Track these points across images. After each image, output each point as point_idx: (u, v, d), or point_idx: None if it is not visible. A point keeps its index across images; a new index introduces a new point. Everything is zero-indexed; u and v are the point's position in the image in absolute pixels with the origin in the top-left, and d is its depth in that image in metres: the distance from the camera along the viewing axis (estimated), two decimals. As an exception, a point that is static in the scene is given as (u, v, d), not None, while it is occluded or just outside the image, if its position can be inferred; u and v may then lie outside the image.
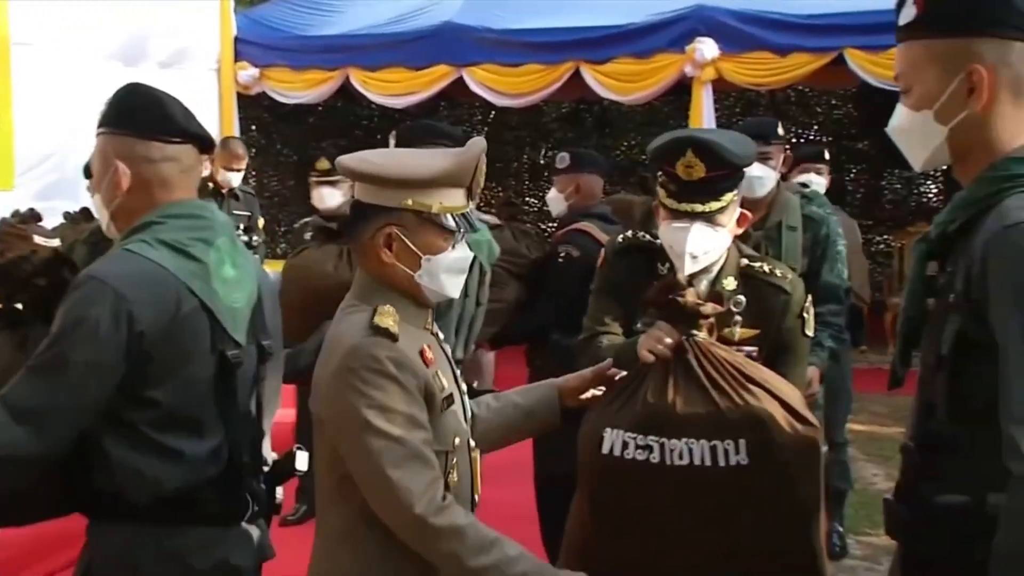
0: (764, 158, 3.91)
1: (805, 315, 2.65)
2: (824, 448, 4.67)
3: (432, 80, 9.11)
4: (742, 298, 2.61)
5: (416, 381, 1.91)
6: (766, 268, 2.65)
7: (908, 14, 1.74)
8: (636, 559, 2.12)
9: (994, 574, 1.51)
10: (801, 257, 3.97)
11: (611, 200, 5.76)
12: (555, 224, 4.76)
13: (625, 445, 2.09)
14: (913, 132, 1.78)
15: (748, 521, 2.07)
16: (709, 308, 2.20)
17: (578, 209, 4.34)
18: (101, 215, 2.22)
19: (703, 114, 8.25)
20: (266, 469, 2.32)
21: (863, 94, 10.47)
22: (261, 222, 7.48)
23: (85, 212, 5.82)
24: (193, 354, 2.07)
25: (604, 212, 4.50)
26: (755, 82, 8.57)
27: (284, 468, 2.34)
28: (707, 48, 8.09)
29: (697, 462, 2.04)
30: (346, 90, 9.75)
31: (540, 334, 3.94)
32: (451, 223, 1.98)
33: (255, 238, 7.08)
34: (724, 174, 2.49)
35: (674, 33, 8.28)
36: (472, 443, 2.09)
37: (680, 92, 9.15)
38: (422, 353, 1.97)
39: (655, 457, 2.06)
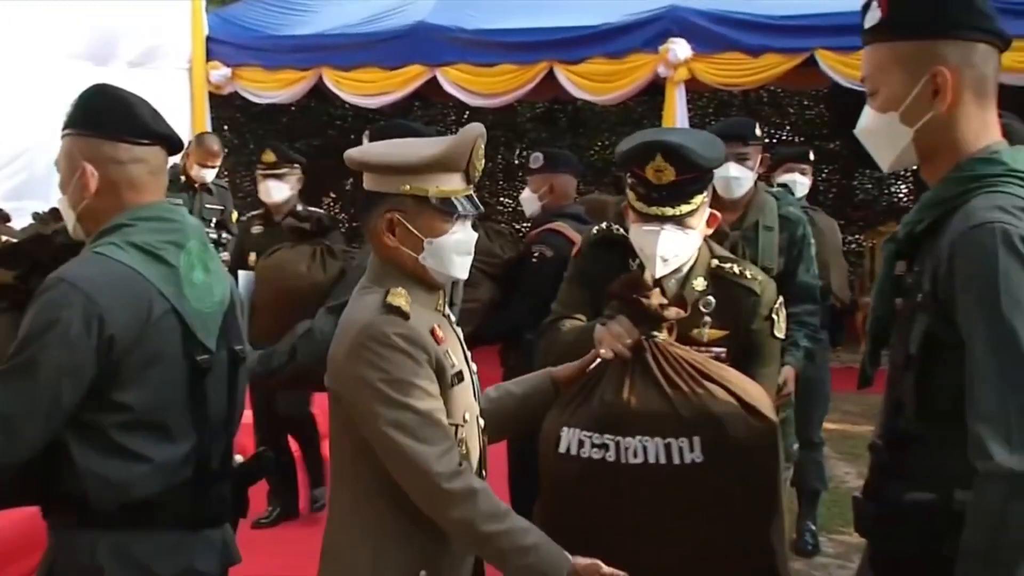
0: (742, 159, 3.93)
1: (774, 317, 2.64)
2: (795, 446, 4.74)
3: (406, 80, 9.09)
4: (711, 299, 2.61)
5: (427, 356, 1.98)
6: (736, 269, 2.65)
7: (873, 17, 1.76)
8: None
9: (961, 571, 1.52)
10: (778, 257, 3.99)
11: (585, 200, 5.77)
12: (529, 224, 4.76)
13: (581, 444, 2.10)
14: (880, 133, 1.80)
15: (704, 519, 2.06)
16: (672, 312, 2.20)
17: (552, 209, 4.35)
18: (68, 216, 2.19)
19: (676, 114, 8.28)
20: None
21: (834, 95, 10.54)
22: (235, 216, 7.46)
23: (55, 212, 5.76)
24: (164, 358, 2.06)
25: (578, 212, 4.51)
26: (728, 83, 8.61)
27: (252, 472, 2.33)
28: (680, 49, 8.12)
29: (652, 460, 2.04)
30: (319, 90, 9.71)
31: (514, 334, 3.94)
32: (452, 206, 2.03)
33: (224, 236, 7.09)
34: (694, 177, 2.49)
35: (647, 34, 8.31)
36: (481, 421, 2.17)
37: (653, 92, 9.17)
38: (433, 332, 2.04)
39: (611, 456, 2.06)
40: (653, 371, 2.12)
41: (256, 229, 5.02)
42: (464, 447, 2.05)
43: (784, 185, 5.27)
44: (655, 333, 2.19)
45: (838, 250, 5.51)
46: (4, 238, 2.95)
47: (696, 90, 9.46)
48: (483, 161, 2.10)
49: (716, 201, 3.23)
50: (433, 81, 9.05)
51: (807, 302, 4.08)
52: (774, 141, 13.10)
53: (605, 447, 2.07)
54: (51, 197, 4.75)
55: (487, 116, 12.62)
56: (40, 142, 6.92)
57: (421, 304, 2.05)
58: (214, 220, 7.08)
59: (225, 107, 10.10)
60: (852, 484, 5.56)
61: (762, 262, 3.82)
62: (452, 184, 2.03)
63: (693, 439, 2.04)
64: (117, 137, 2.11)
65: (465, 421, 2.08)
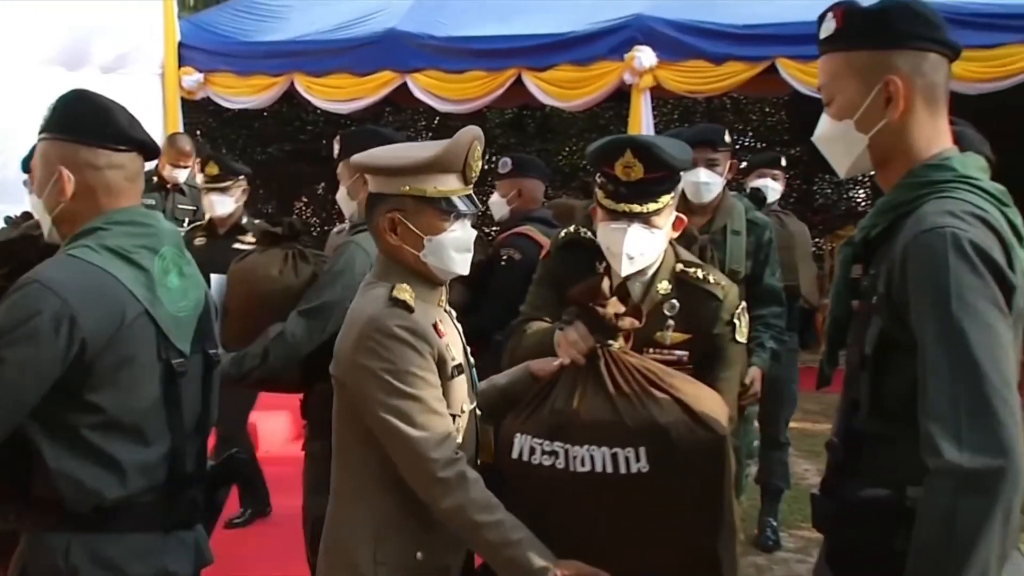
0: (711, 164, 3.96)
1: (736, 321, 2.63)
2: (756, 443, 4.76)
3: (377, 86, 9.07)
4: (675, 302, 2.62)
5: (430, 348, 2.05)
6: (700, 274, 2.65)
7: (828, 28, 1.78)
8: None
9: (913, 564, 1.54)
10: (745, 260, 4.02)
11: (552, 204, 5.79)
12: (497, 228, 4.77)
13: (532, 451, 2.08)
14: (836, 140, 1.82)
15: (650, 528, 2.04)
16: (627, 323, 2.19)
17: (520, 213, 4.36)
18: (43, 220, 2.18)
19: (642, 120, 8.31)
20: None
21: (795, 102, 10.61)
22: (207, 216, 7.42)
23: (27, 216, 5.71)
24: (138, 361, 2.05)
25: (545, 216, 4.52)
26: (692, 90, 8.64)
27: (224, 474, 2.32)
28: (645, 56, 8.16)
29: (599, 469, 2.01)
30: (291, 95, 9.66)
31: (483, 335, 3.94)
32: (449, 205, 2.08)
33: None
34: (662, 176, 2.50)
35: (613, 42, 8.33)
36: (478, 412, 2.22)
37: (619, 99, 9.20)
38: (435, 326, 2.11)
39: (560, 463, 2.04)
40: (604, 380, 2.11)
41: (199, 241, 4.93)
42: (459, 436, 2.11)
43: (757, 189, 5.33)
44: (610, 342, 2.18)
45: (808, 254, 5.57)
46: None
47: (661, 97, 9.51)
48: (480, 162, 2.14)
49: (686, 205, 3.26)
50: (403, 87, 9.03)
51: (773, 304, 4.12)
52: (737, 147, 13.18)
53: (555, 454, 2.05)
54: (24, 201, 4.70)
55: (457, 122, 12.63)
56: (12, 147, 6.84)
57: (424, 299, 2.12)
58: (187, 220, 7.05)
59: (197, 112, 10.05)
60: (812, 481, 5.60)
61: (730, 265, 3.85)
62: (449, 184, 2.09)
63: (639, 449, 2.01)
64: (95, 143, 2.10)
65: (462, 412, 2.14)
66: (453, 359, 2.12)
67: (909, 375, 1.59)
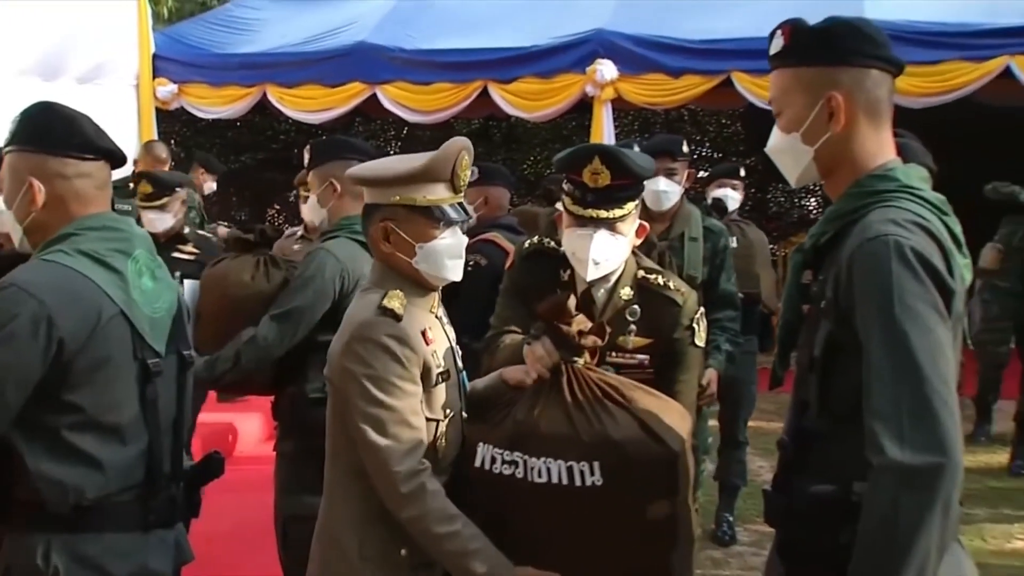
0: (670, 173, 3.99)
1: (695, 326, 2.64)
2: (710, 439, 4.78)
3: (347, 97, 9.06)
4: (637, 308, 2.62)
5: (415, 357, 2.05)
6: (661, 280, 2.66)
7: (777, 45, 1.81)
8: None
9: (858, 556, 1.56)
10: (702, 266, 4.05)
11: (517, 211, 5.80)
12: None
13: (494, 460, 2.07)
14: (786, 152, 1.84)
15: (604, 541, 2.03)
16: (589, 342, 2.17)
17: (486, 220, 4.36)
18: (14, 231, 2.16)
19: (603, 131, 8.35)
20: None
21: (750, 114, 10.70)
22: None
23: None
24: (114, 361, 2.03)
25: (511, 223, 4.52)
26: (651, 102, 8.71)
27: (202, 473, 2.30)
28: (606, 69, 8.21)
29: (555, 480, 2.00)
30: (263, 106, 9.63)
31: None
32: (439, 213, 2.10)
33: None
34: (627, 183, 2.52)
35: (576, 55, 8.38)
36: (465, 415, 2.22)
37: (582, 110, 9.26)
38: (424, 334, 2.11)
39: (519, 472, 2.03)
40: (564, 394, 2.10)
41: None
42: (443, 440, 2.12)
43: (719, 199, 5.37)
44: (575, 358, 2.16)
45: (767, 261, 5.62)
46: None
47: (622, 108, 9.55)
48: (468, 172, 2.16)
49: (645, 213, 3.28)
50: (373, 98, 9.03)
51: (728, 308, 4.15)
52: (694, 157, 13.26)
53: (515, 464, 2.04)
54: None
55: (425, 132, 12.64)
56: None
57: (416, 305, 2.13)
58: (198, 230, 7.01)
59: (171, 122, 10.00)
60: (766, 478, 5.58)
61: (687, 271, 3.88)
62: (438, 193, 2.11)
63: (593, 463, 1.99)
64: (62, 153, 2.08)
65: (445, 417, 2.14)
66: (439, 366, 2.12)
67: (855, 377, 1.61)
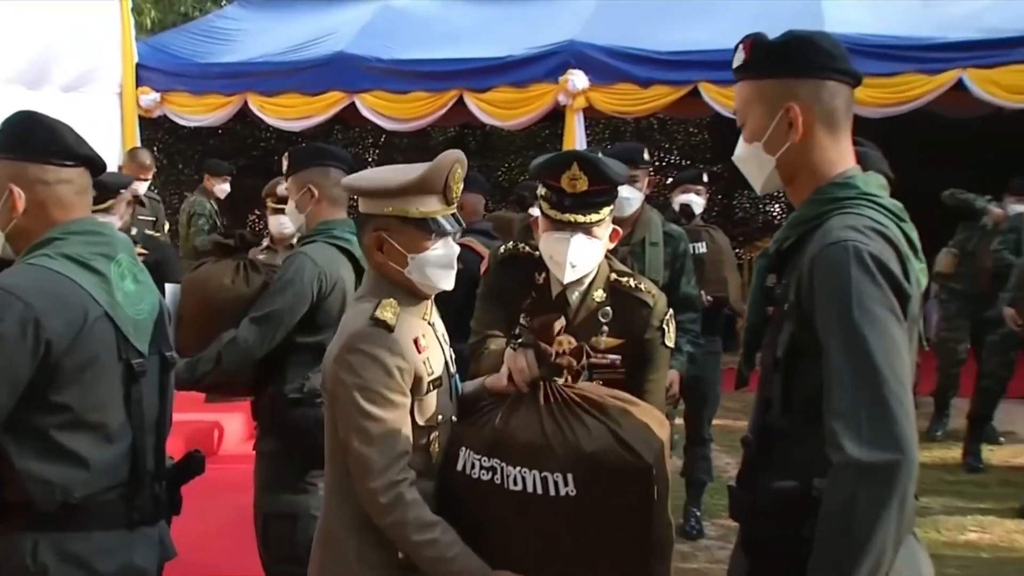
0: (632, 180, 3.99)
1: (665, 327, 2.65)
2: (675, 436, 4.79)
3: (326, 105, 9.06)
4: (609, 310, 2.63)
5: (407, 366, 2.03)
6: (632, 283, 2.66)
7: (739, 58, 1.82)
8: None
9: (818, 549, 1.57)
10: (663, 270, 4.05)
11: (492, 217, 5.80)
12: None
13: (473, 465, 2.05)
14: (750, 161, 1.85)
15: (581, 548, 2.01)
16: (564, 361, 2.14)
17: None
18: None
19: (575, 139, 8.38)
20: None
21: (716, 123, 10.76)
22: (166, 226, 7.46)
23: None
24: (100, 361, 2.02)
25: (486, 228, 4.52)
26: (621, 110, 8.74)
27: (184, 471, 2.29)
28: (578, 79, 8.24)
29: (530, 490, 1.98)
30: (244, 114, 9.60)
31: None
32: (431, 225, 2.08)
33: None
34: (603, 188, 2.52)
35: (549, 65, 8.41)
36: (455, 419, 2.20)
37: (555, 118, 9.28)
38: (416, 341, 2.09)
39: (497, 479, 2.01)
40: (539, 405, 2.07)
41: None
42: (435, 445, 2.11)
43: (687, 205, 5.40)
44: (555, 378, 2.13)
45: (734, 265, 5.65)
46: None
47: (593, 117, 9.59)
48: (461, 184, 2.13)
49: (609, 218, 3.27)
50: (352, 107, 9.03)
51: (689, 311, 4.16)
52: (663, 164, 13.33)
53: (493, 470, 2.02)
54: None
55: (402, 139, 12.62)
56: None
57: (409, 313, 2.11)
58: (147, 230, 6.98)
59: (154, 129, 9.96)
60: (732, 474, 5.59)
61: (649, 275, 3.88)
62: (431, 205, 2.08)
63: (567, 475, 1.96)
64: (43, 160, 2.06)
65: (438, 423, 2.12)
66: (431, 373, 2.10)
67: (816, 377, 1.61)
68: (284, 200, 4.61)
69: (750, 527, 1.79)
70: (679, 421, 5.09)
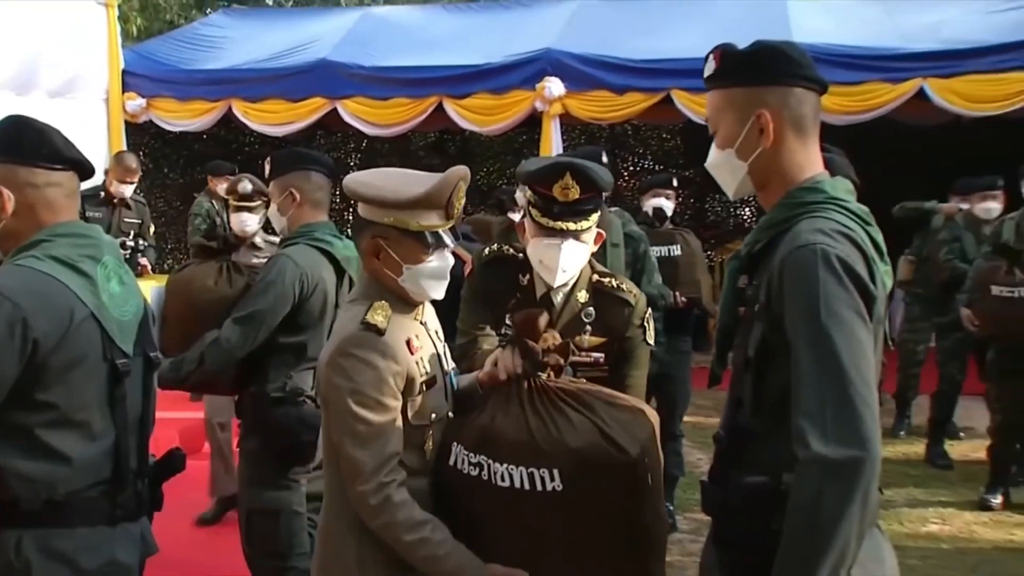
0: None
1: (645, 325, 2.66)
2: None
3: (309, 111, 9.04)
4: (592, 310, 2.63)
5: (397, 368, 2.01)
6: (614, 283, 2.67)
7: (710, 68, 1.83)
8: None
9: (785, 542, 1.57)
10: (624, 271, 4.04)
11: (471, 220, 5.79)
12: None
13: (464, 460, 2.03)
14: (722, 167, 1.85)
15: (571, 543, 1.98)
16: (552, 360, 2.13)
17: (441, 228, 4.32)
18: None
19: (552, 144, 8.39)
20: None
21: (688, 129, 10.78)
22: (152, 229, 7.39)
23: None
24: (86, 360, 2.00)
25: (465, 231, 4.52)
26: (596, 117, 8.75)
27: (166, 468, 2.26)
28: (555, 86, 8.25)
29: (517, 485, 1.95)
30: (229, 119, 9.56)
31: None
32: (430, 239, 2.07)
33: (142, 242, 7.00)
34: (592, 196, 2.52)
35: (526, 73, 8.42)
36: (452, 415, 2.17)
37: (532, 124, 9.28)
38: (409, 343, 2.07)
39: (485, 475, 1.99)
40: (524, 402, 2.05)
41: None
42: (429, 443, 2.09)
43: (660, 209, 5.40)
44: (539, 374, 2.11)
45: (705, 267, 5.66)
46: None
47: (569, 123, 9.59)
48: (463, 200, 2.11)
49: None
50: (334, 112, 9.01)
51: (651, 310, 4.15)
52: (637, 169, 13.36)
53: (480, 466, 1.99)
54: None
55: (383, 144, 12.58)
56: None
57: (401, 315, 2.09)
58: (133, 232, 6.98)
59: (140, 134, 9.90)
60: (704, 469, 5.59)
61: None
62: (431, 220, 2.06)
63: (553, 470, 1.93)
64: (32, 163, 2.04)
65: (432, 420, 2.10)
66: (424, 373, 2.08)
67: (785, 376, 1.62)
68: (246, 198, 4.61)
69: (722, 522, 1.79)
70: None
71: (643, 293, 4.04)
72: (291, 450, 3.13)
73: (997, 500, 5.31)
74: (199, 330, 3.13)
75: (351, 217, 13.29)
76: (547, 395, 2.06)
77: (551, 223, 2.51)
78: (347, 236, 3.30)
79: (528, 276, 2.66)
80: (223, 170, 7.53)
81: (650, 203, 5.50)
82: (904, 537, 4.78)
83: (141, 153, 9.23)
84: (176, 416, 5.83)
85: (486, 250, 2.83)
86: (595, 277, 2.68)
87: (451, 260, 2.14)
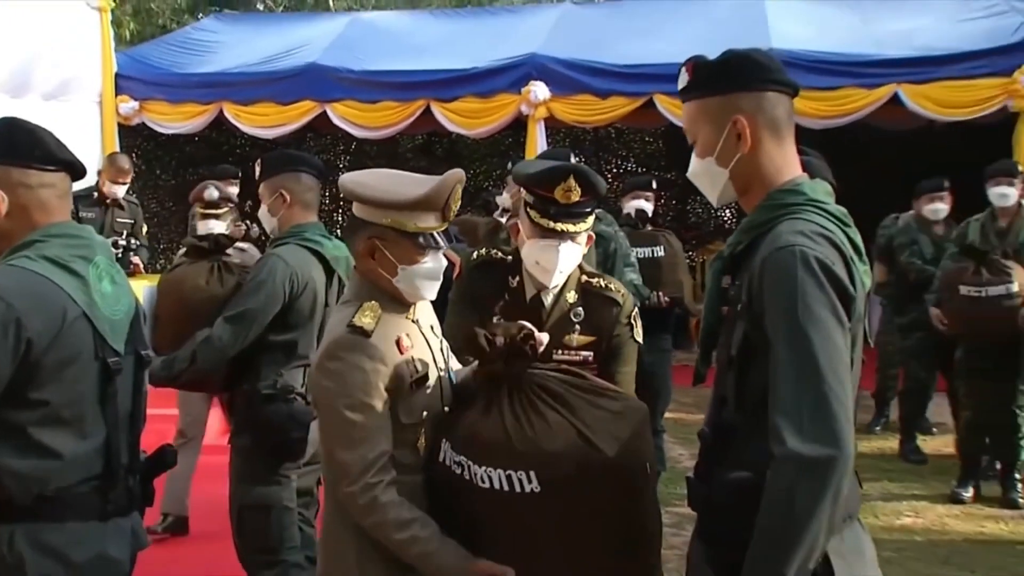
0: None
1: (632, 323, 2.67)
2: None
3: (299, 114, 9.03)
4: (581, 310, 2.63)
5: (384, 369, 1.99)
6: (602, 283, 2.68)
7: (683, 80, 1.83)
8: None
9: (758, 534, 1.57)
10: (596, 270, 4.03)
11: (458, 221, 5.77)
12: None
13: (450, 458, 2.00)
14: (703, 175, 1.85)
15: (560, 543, 1.93)
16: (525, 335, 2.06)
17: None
18: None
19: (537, 147, 8.38)
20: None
21: (670, 132, 10.81)
22: (144, 229, 7.34)
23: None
24: (78, 359, 1.98)
25: (452, 232, 4.50)
26: (580, 120, 8.77)
27: (156, 465, 2.25)
28: (540, 90, 8.25)
29: (496, 487, 1.92)
30: (220, 122, 9.54)
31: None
32: (426, 240, 2.05)
33: (135, 241, 6.95)
34: (591, 199, 2.53)
35: (512, 77, 8.42)
36: (447, 409, 2.14)
37: (517, 128, 9.29)
38: (398, 342, 2.04)
39: (467, 475, 1.96)
40: (504, 403, 2.01)
41: None
42: (422, 439, 2.07)
43: (642, 210, 5.41)
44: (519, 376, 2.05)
45: (686, 267, 5.68)
46: None
47: (554, 126, 9.61)
48: (459, 202, 2.09)
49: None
50: (323, 115, 9.00)
51: None
52: (620, 171, 13.38)
53: (462, 466, 1.97)
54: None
55: (372, 147, 12.56)
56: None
57: (392, 314, 2.07)
58: (126, 232, 6.93)
59: (133, 136, 9.85)
60: (686, 464, 5.68)
61: None
62: (428, 222, 2.05)
63: (529, 472, 1.89)
64: (25, 164, 2.02)
65: (423, 419, 2.07)
66: (415, 372, 2.04)
67: (765, 374, 1.62)
68: (212, 205, 4.59)
69: (707, 517, 1.79)
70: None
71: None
72: (281, 446, 3.12)
73: (968, 493, 5.35)
74: (191, 329, 3.12)
75: (341, 218, 13.27)
76: (528, 396, 2.01)
77: (551, 224, 2.51)
78: (337, 237, 3.30)
79: (518, 278, 2.65)
80: (227, 174, 7.48)
81: (631, 205, 5.51)
82: (879, 530, 4.79)
83: (134, 155, 9.19)
84: (172, 413, 5.80)
85: (474, 254, 2.82)
86: (584, 278, 2.68)
87: (444, 261, 2.13)
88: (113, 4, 9.42)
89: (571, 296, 2.65)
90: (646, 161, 13.64)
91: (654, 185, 5.76)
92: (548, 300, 2.63)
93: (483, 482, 1.93)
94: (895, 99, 7.56)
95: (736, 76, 1.77)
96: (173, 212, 11.54)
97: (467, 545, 1.98)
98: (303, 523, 3.31)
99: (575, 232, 2.52)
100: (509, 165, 4.94)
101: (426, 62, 8.81)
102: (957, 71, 7.42)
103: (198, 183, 7.69)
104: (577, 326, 2.63)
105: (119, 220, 6.90)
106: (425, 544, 1.96)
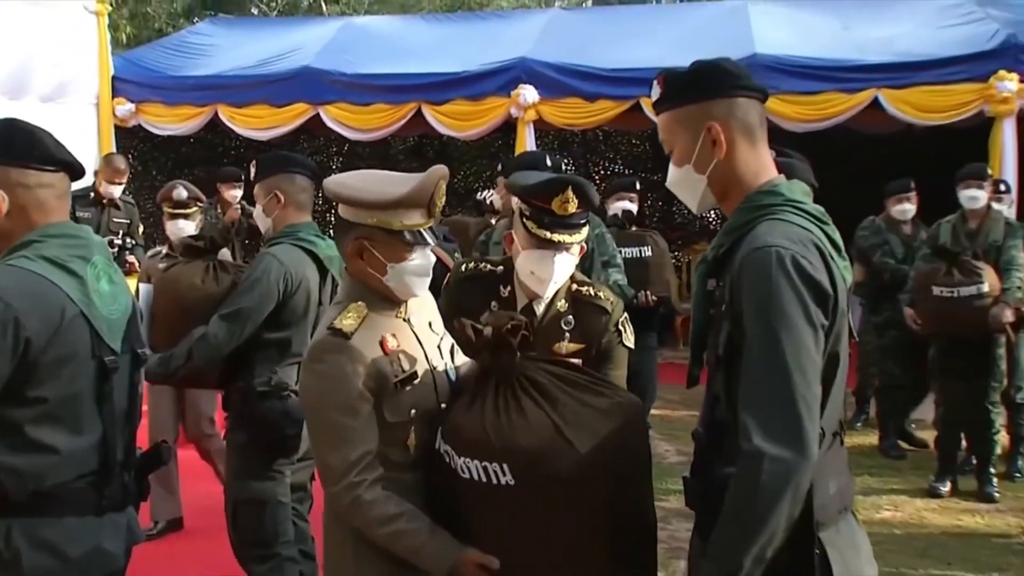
0: None
1: (621, 329, 2.66)
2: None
3: (292, 116, 9.02)
4: (571, 318, 2.63)
5: (364, 370, 1.97)
6: (592, 292, 2.68)
7: (656, 93, 1.84)
8: None
9: (722, 524, 1.60)
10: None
11: (448, 221, 5.79)
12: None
13: (441, 446, 2.01)
14: (682, 184, 1.86)
15: (540, 536, 1.92)
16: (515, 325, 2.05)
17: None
18: None
19: (526, 149, 8.38)
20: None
21: (657, 135, 10.79)
22: (140, 228, 7.32)
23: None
24: (76, 358, 1.98)
25: (442, 231, 4.50)
26: (569, 123, 8.78)
27: (151, 461, 2.25)
28: (529, 94, 8.26)
29: (475, 478, 1.92)
30: (215, 124, 9.51)
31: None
32: (413, 237, 2.04)
33: (130, 241, 6.93)
34: (586, 210, 2.53)
35: (502, 80, 8.43)
36: (443, 406, 2.11)
37: (507, 130, 9.31)
38: (383, 343, 2.03)
39: (452, 465, 1.96)
40: (486, 396, 2.00)
41: None
42: (412, 437, 2.05)
43: (629, 211, 5.42)
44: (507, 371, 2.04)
45: (672, 268, 5.69)
46: None
47: (543, 129, 9.63)
48: (444, 198, 2.08)
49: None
50: (316, 117, 9.00)
51: None
52: (608, 173, 13.39)
53: (448, 455, 1.98)
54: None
55: (364, 148, 12.55)
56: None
57: (380, 314, 2.06)
58: (122, 232, 6.92)
59: (129, 138, 9.82)
60: (671, 460, 5.69)
61: None
62: (414, 219, 2.04)
63: (503, 465, 1.89)
64: (24, 164, 2.01)
65: (412, 417, 2.04)
66: (399, 372, 2.02)
67: None
68: (181, 205, 4.59)
69: (704, 513, 1.79)
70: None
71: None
72: (276, 443, 3.12)
73: (945, 488, 5.37)
74: (186, 327, 3.11)
75: (333, 218, 13.24)
76: (513, 389, 1.99)
77: (549, 235, 2.50)
78: (330, 236, 3.30)
79: (509, 288, 2.65)
80: (231, 176, 7.47)
81: (615, 206, 5.52)
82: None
83: (130, 156, 9.15)
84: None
85: (463, 266, 2.81)
86: (574, 286, 2.68)
87: (432, 258, 2.12)
88: (110, 8, 9.42)
89: (561, 304, 2.65)
90: (633, 163, 13.65)
91: (638, 186, 5.78)
92: (540, 309, 2.63)
93: (464, 472, 1.94)
94: (875, 103, 7.60)
95: (707, 85, 1.78)
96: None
97: (459, 535, 1.98)
98: (297, 518, 3.31)
99: (570, 243, 2.53)
100: (500, 167, 4.93)
101: (417, 65, 8.81)
102: (935, 76, 7.47)
103: (194, 184, 7.69)
104: (567, 334, 2.63)
105: (115, 220, 6.90)
106: (412, 537, 1.96)
